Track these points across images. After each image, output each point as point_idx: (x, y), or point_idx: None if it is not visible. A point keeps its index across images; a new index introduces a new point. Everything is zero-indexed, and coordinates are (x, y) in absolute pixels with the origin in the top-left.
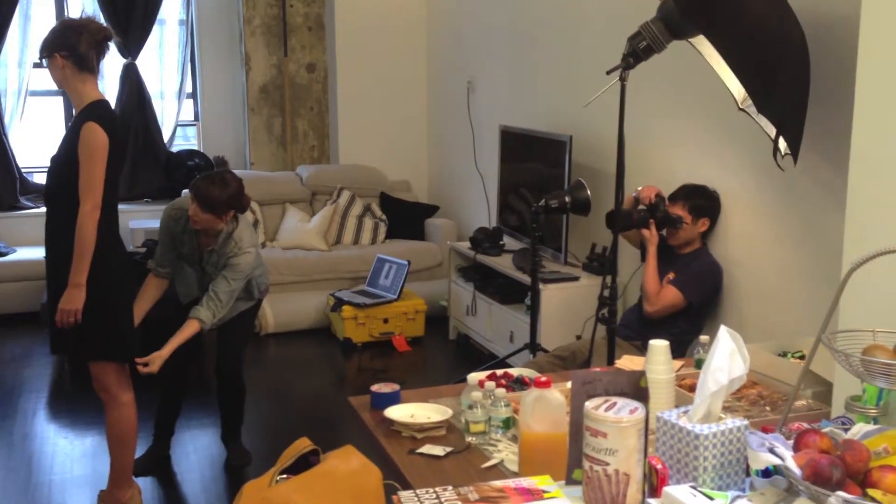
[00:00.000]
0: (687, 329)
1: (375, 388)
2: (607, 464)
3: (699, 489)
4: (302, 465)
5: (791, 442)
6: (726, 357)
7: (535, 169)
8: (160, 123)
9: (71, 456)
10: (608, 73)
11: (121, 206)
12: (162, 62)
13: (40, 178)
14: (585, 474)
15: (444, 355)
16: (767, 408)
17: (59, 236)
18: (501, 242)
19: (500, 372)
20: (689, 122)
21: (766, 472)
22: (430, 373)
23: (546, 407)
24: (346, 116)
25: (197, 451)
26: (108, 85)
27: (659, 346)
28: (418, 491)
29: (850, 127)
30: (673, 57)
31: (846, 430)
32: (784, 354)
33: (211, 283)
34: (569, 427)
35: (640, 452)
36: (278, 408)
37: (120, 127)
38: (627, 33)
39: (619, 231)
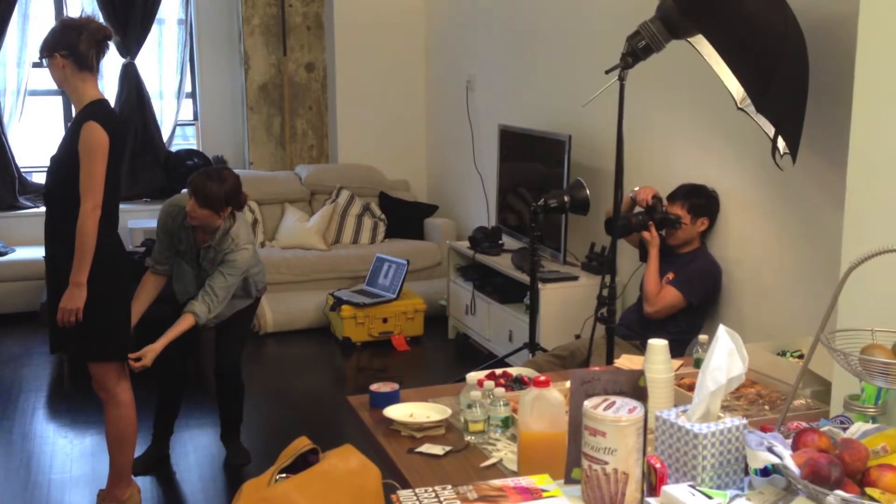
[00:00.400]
0: (686, 328)
1: (374, 387)
2: (606, 463)
3: (698, 488)
4: (301, 464)
5: (790, 441)
6: (725, 356)
7: (535, 168)
8: (159, 123)
9: (70, 455)
10: (607, 72)
11: (120, 206)
12: (161, 62)
13: (39, 178)
14: (584, 473)
15: (444, 355)
16: (766, 407)
17: (58, 236)
18: (500, 242)
19: (499, 371)
20: (688, 122)
21: (765, 471)
22: (429, 372)
23: (545, 406)
24: (346, 116)
25: (196, 450)
26: (107, 84)
27: (658, 345)
28: (417, 490)
29: (849, 126)
30: (672, 56)
31: (844, 430)
32: (783, 354)
33: (207, 279)
34: (568, 426)
35: (639, 451)
36: (277, 407)
37: (120, 126)
38: (626, 32)
39: (617, 238)
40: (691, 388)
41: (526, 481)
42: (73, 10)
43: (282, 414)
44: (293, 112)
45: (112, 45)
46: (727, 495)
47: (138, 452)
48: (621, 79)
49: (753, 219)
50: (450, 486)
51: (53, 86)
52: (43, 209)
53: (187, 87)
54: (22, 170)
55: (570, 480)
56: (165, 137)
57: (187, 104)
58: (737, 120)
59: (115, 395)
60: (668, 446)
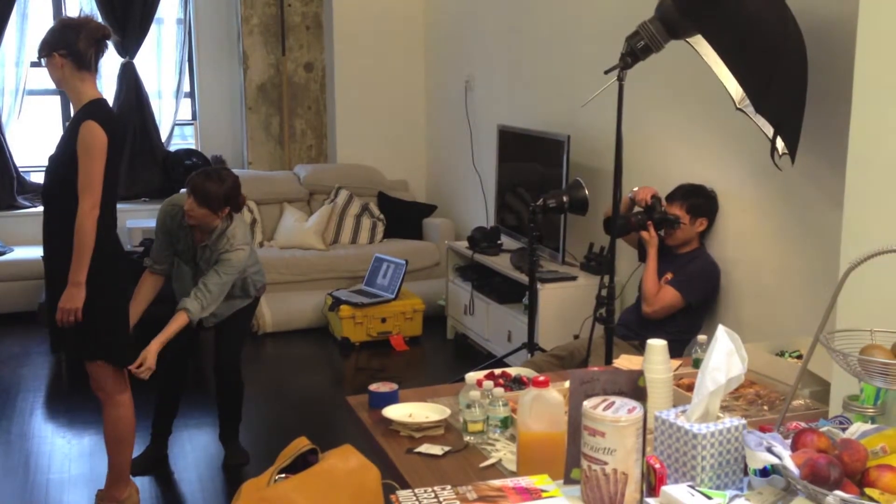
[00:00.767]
0: (685, 328)
1: (373, 387)
2: (605, 463)
3: (697, 488)
4: (300, 464)
5: (789, 441)
6: (724, 356)
7: (533, 168)
8: (158, 122)
9: (69, 455)
10: (606, 72)
11: (118, 206)
12: (160, 61)
13: (38, 178)
14: (584, 473)
15: (442, 355)
16: (765, 407)
17: (57, 235)
18: (499, 242)
19: (498, 371)
20: (686, 122)
21: (764, 472)
22: (428, 372)
23: (544, 406)
24: (344, 116)
25: (195, 450)
26: (106, 84)
27: (657, 345)
28: (416, 490)
29: (848, 127)
30: (671, 57)
31: (844, 430)
32: (782, 354)
33: (202, 277)
34: (567, 426)
35: (639, 452)
36: (276, 407)
37: (119, 126)
38: (625, 33)
39: (616, 237)
40: (690, 388)
41: (525, 481)
42: (71, 10)
43: (281, 414)
44: (292, 112)
45: (111, 45)
46: (726, 496)
47: (137, 452)
48: (620, 79)
49: (752, 219)
50: (449, 487)
51: (52, 85)
52: (41, 209)
53: (186, 87)
54: (20, 169)
55: (569, 481)
56: (164, 137)
57: (186, 104)
58: (736, 120)
59: (113, 395)
60: (667, 446)
